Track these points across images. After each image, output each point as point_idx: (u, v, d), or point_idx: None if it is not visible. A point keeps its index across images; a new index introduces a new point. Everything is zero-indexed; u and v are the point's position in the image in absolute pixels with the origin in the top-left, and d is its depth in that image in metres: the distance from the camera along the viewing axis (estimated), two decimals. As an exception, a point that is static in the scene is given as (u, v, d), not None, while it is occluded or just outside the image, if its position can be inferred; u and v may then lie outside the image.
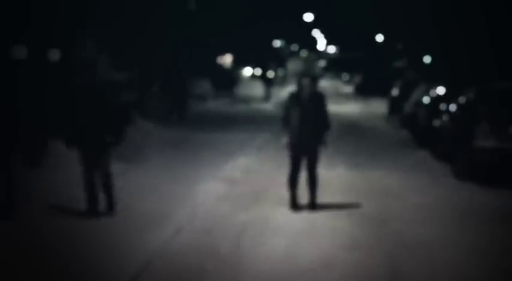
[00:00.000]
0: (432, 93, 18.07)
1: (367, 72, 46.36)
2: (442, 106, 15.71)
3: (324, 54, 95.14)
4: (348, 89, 52.38)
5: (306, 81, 10.28)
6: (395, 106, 26.14)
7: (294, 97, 10.28)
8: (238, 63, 47.80)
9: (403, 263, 7.55)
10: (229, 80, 39.11)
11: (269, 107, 32.92)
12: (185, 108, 25.72)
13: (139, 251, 7.70)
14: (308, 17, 62.94)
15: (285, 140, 10.28)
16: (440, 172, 13.72)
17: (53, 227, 8.71)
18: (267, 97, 38.40)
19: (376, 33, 60.34)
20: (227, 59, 46.16)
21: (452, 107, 14.62)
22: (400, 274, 7.19)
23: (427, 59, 42.08)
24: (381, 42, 60.41)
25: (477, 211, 10.25)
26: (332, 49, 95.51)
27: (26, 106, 12.02)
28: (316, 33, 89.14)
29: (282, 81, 55.10)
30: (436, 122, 15.72)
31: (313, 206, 10.23)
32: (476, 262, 7.64)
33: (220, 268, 7.29)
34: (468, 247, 8.24)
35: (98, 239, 8.22)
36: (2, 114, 9.20)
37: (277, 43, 60.17)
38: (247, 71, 50.50)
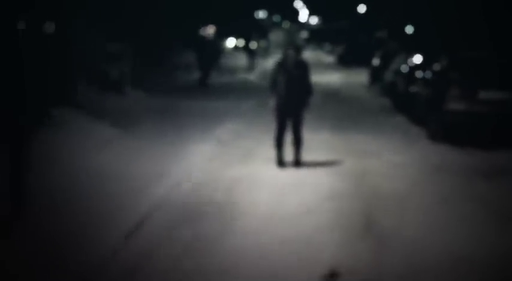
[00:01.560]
0: (410, 62, 19.18)
1: (349, 42, 47.27)
2: (418, 74, 16.85)
3: (306, 25, 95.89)
4: (330, 59, 53.34)
5: (290, 51, 11.45)
6: (376, 75, 27.25)
7: (280, 65, 11.41)
8: (221, 35, 48.60)
9: (377, 210, 8.70)
10: (213, 51, 39.77)
11: (253, 77, 33.87)
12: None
13: (146, 201, 8.81)
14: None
15: (272, 103, 11.41)
16: (416, 135, 14.89)
17: (68, 178, 9.76)
18: (250, 68, 39.33)
19: (358, 4, 61.30)
20: (210, 30, 46.92)
21: (427, 74, 15.76)
22: (374, 219, 8.32)
23: (409, 29, 43.12)
24: (363, 13, 61.38)
25: (448, 168, 11.42)
26: (314, 20, 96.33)
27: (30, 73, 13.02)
28: (298, 4, 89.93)
29: (264, 52, 55.92)
30: (413, 89, 16.86)
31: (297, 163, 11.37)
32: (443, 209, 8.81)
33: (217, 212, 8.43)
34: (436, 197, 9.42)
35: (105, 191, 9.28)
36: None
37: (259, 14, 60.98)
38: (230, 42, 51.34)
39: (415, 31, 41.56)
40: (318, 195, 9.43)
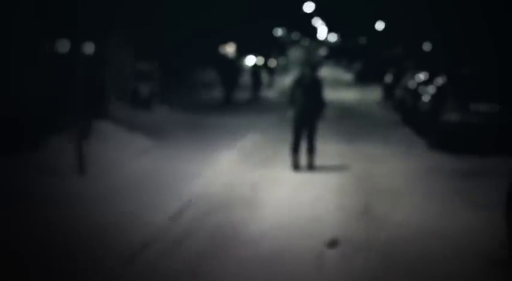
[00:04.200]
0: (417, 78, 21.37)
1: (367, 60, 49.41)
2: (422, 89, 19.06)
3: (325, 43, 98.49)
4: (348, 76, 55.61)
5: (307, 69, 13.84)
6: (388, 92, 29.47)
7: (298, 81, 13.78)
8: (241, 53, 50.93)
9: (374, 201, 10.91)
10: (233, 69, 42.06)
11: (272, 94, 36.19)
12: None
13: (184, 195, 11.10)
14: (308, 6, 66.26)
15: (290, 114, 13.71)
16: (418, 144, 17.07)
17: (121, 177, 12.06)
18: (270, 85, 41.66)
19: (377, 21, 63.56)
20: (230, 49, 49.26)
21: (430, 90, 17.97)
22: (371, 207, 10.53)
23: (426, 47, 45.22)
24: (381, 30, 63.62)
25: (439, 170, 13.59)
26: (333, 37, 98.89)
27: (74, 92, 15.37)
28: (317, 21, 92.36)
29: (283, 69, 58.23)
30: (418, 103, 19.07)
31: (311, 167, 13.61)
32: (428, 200, 11.00)
33: (243, 203, 10.68)
34: (424, 192, 11.63)
35: (150, 188, 11.57)
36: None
37: (278, 32, 63.39)
38: (250, 60, 53.74)
39: (432, 48, 43.65)
40: (326, 190, 11.67)
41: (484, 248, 8.35)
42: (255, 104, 29.70)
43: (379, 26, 63.49)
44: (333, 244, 8.54)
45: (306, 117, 13.66)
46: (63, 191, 11.08)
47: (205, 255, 8.08)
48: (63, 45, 17.80)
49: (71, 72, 17.15)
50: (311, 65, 14.45)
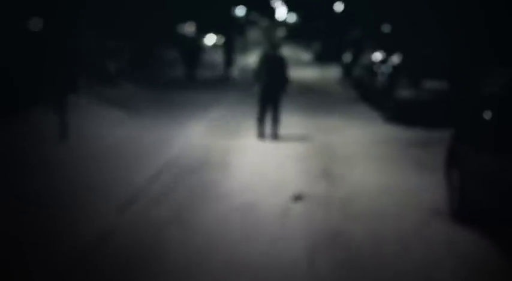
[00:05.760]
0: (374, 58, 22.74)
1: (326, 40, 50.75)
2: (378, 68, 20.47)
3: (284, 23, 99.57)
4: (307, 56, 56.90)
5: (270, 48, 15.20)
6: (347, 70, 30.91)
7: (263, 59, 15.08)
8: (200, 32, 51.85)
9: (332, 165, 12.26)
10: (194, 47, 43.03)
11: (234, 72, 37.35)
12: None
13: (160, 159, 12.33)
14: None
15: (256, 88, 15.05)
16: (374, 118, 18.47)
17: (101, 144, 13.24)
18: (231, 64, 42.71)
19: (335, 2, 64.80)
20: (190, 28, 50.16)
21: (385, 68, 19.38)
22: (329, 169, 11.86)
23: (386, 28, 46.54)
24: (340, 12, 64.87)
25: (392, 140, 15.01)
26: (292, 18, 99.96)
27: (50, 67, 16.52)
28: (276, 1, 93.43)
29: (243, 49, 59.27)
30: (375, 81, 20.47)
31: (275, 136, 14.92)
32: (380, 163, 12.39)
33: (214, 166, 11.95)
34: (377, 157, 13.03)
35: (129, 154, 12.78)
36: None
37: (237, 12, 64.37)
38: (210, 40, 54.77)
39: (392, 30, 44.92)
40: (290, 156, 12.99)
41: (429, 202, 9.71)
42: (220, 82, 30.90)
43: (338, 7, 64.72)
44: (297, 198, 9.84)
45: (271, 92, 14.99)
46: (47, 157, 12.22)
47: (184, 209, 9.30)
48: (36, 24, 18.88)
49: (44, 48, 18.31)
50: (273, 44, 15.76)
